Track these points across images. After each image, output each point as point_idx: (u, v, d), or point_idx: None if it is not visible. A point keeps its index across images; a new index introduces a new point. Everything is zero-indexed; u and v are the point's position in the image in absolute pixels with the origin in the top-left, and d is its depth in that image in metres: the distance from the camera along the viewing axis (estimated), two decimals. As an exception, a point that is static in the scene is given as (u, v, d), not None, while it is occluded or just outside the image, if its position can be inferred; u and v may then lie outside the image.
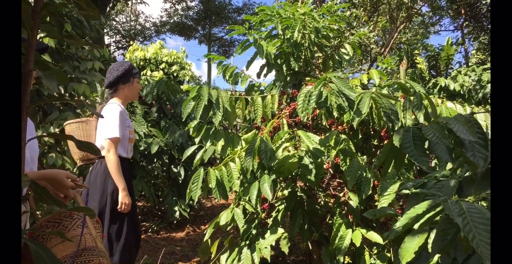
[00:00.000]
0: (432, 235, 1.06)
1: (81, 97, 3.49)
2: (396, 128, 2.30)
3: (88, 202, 2.59)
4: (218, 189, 2.48)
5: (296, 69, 2.94)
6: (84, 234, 1.38)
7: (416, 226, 0.92)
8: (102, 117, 2.39)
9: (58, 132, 3.20)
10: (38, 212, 1.56)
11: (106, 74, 2.83)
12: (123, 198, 2.56)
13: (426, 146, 1.34)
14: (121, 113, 2.64)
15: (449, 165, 1.64)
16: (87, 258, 1.35)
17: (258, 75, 3.13)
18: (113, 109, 2.64)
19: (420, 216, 0.88)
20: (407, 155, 1.38)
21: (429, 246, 1.07)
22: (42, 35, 2.84)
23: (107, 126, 2.59)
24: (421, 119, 1.98)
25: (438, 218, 1.05)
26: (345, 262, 2.58)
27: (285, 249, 2.48)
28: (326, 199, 2.92)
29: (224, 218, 2.64)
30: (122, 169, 2.62)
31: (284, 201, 2.74)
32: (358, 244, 2.27)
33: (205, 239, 2.78)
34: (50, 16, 0.82)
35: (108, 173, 2.60)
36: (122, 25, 24.27)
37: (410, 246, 1.02)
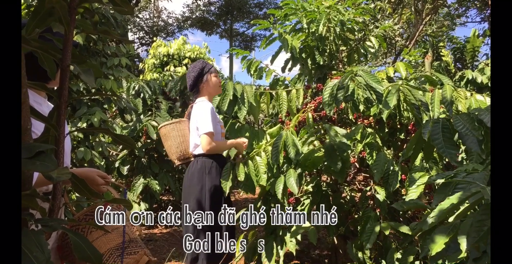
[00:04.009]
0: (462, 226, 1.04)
1: (108, 92, 3.55)
2: (424, 122, 2.26)
3: (188, 199, 2.67)
4: (245, 183, 2.50)
5: (321, 63, 2.93)
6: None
7: (451, 219, 0.91)
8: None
9: (86, 127, 3.27)
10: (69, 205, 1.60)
11: (186, 78, 2.93)
12: (243, 144, 2.78)
13: (455, 139, 1.31)
14: (212, 109, 2.71)
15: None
16: (133, 249, 1.36)
17: (283, 69, 3.12)
18: (203, 106, 2.72)
19: (455, 207, 0.87)
20: (435, 147, 1.35)
21: (458, 236, 1.06)
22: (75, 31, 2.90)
23: (201, 122, 2.66)
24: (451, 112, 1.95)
25: (469, 212, 1.03)
26: (372, 256, 2.56)
27: (313, 240, 2.46)
28: (352, 194, 2.90)
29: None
30: (219, 165, 2.71)
31: (310, 195, 2.74)
32: (387, 233, 2.25)
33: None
34: (85, 12, 0.84)
35: (204, 170, 2.68)
36: (146, 21, 24.51)
37: (441, 237, 1.01)
